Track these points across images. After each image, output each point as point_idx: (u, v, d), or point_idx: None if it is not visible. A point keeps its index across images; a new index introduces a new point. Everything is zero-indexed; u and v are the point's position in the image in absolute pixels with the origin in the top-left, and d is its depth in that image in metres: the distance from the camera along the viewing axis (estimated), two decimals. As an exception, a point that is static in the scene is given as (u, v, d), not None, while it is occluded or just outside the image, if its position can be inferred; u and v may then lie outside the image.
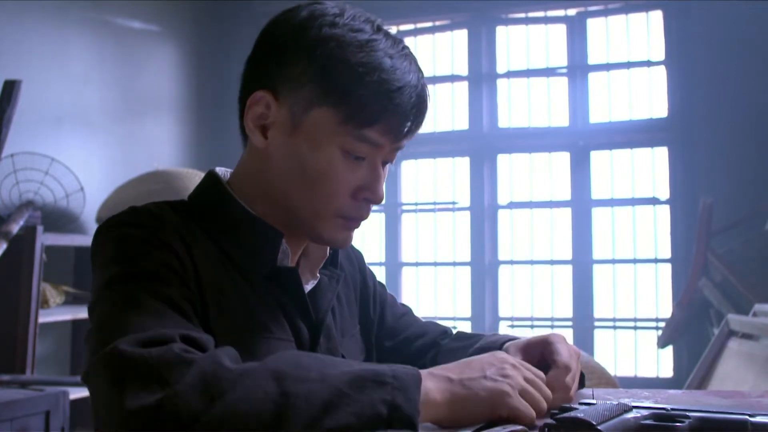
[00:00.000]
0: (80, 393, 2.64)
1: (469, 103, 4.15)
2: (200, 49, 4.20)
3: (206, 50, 4.23)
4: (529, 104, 4.09)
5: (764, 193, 3.39)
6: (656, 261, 3.82)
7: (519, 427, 0.74)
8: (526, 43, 4.10)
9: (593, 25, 3.99)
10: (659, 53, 3.85)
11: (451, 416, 0.75)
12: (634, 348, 3.81)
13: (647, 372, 3.80)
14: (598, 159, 3.94)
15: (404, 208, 4.28)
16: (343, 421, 0.66)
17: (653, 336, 3.71)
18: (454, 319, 4.13)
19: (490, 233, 4.09)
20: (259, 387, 0.66)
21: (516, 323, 4.04)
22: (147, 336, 0.71)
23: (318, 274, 0.99)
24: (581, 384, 1.00)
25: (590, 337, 3.86)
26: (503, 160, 4.13)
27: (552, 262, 4.00)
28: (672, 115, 3.77)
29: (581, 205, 3.92)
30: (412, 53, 0.90)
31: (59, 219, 3.09)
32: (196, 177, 3.20)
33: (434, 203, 4.24)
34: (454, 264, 4.18)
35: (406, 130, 0.88)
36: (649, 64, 3.88)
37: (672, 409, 0.77)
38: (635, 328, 3.84)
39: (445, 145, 4.16)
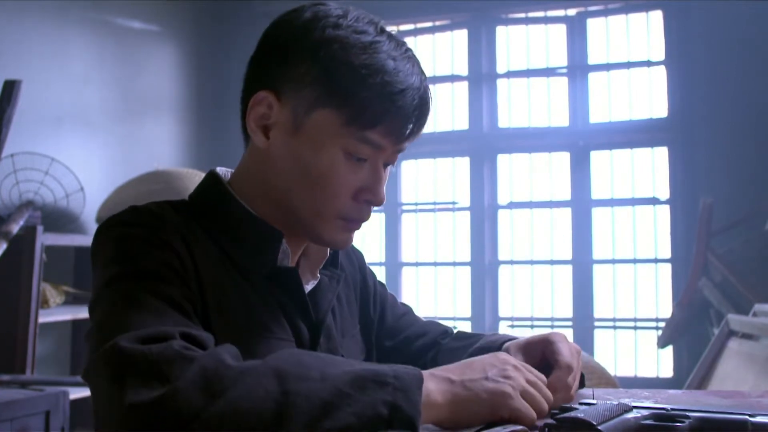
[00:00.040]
0: (80, 393, 2.64)
1: (469, 103, 4.15)
2: (200, 49, 4.20)
3: (206, 50, 4.23)
4: (529, 104, 4.09)
5: (764, 193, 3.39)
6: (656, 261, 3.82)
7: (519, 427, 0.74)
8: (526, 43, 4.10)
9: (593, 25, 3.99)
10: (659, 53, 3.85)
11: (452, 417, 0.75)
12: (634, 348, 3.81)
13: (647, 372, 3.80)
14: (598, 159, 3.95)
15: (404, 208, 4.28)
16: (344, 421, 0.66)
17: (653, 336, 3.71)
18: (454, 319, 4.13)
19: (490, 233, 4.09)
20: (260, 385, 0.66)
21: (516, 323, 4.04)
22: (147, 333, 0.71)
23: (318, 275, 0.99)
24: (581, 383, 1.00)
25: (590, 337, 3.86)
26: (503, 160, 4.13)
27: (552, 262, 4.00)
28: (672, 115, 3.77)
29: (581, 205, 3.92)
30: (415, 56, 0.90)
31: (59, 219, 3.09)
32: (196, 177, 3.20)
33: (434, 203, 4.24)
34: (454, 264, 4.18)
35: (408, 132, 0.88)
36: (649, 64, 3.88)
37: (672, 409, 0.77)
38: (635, 328, 3.84)
39: (445, 145, 4.16)
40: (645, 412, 0.77)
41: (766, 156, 3.47)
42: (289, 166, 0.89)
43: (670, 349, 3.63)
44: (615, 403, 0.78)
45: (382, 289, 1.16)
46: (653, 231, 3.83)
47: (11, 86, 2.50)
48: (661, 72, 3.85)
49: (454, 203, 4.21)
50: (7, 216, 2.76)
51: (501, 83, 4.14)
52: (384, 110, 0.85)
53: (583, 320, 3.87)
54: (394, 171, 0.93)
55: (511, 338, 1.03)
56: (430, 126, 0.88)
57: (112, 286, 0.78)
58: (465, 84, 4.17)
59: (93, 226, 3.29)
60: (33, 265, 2.68)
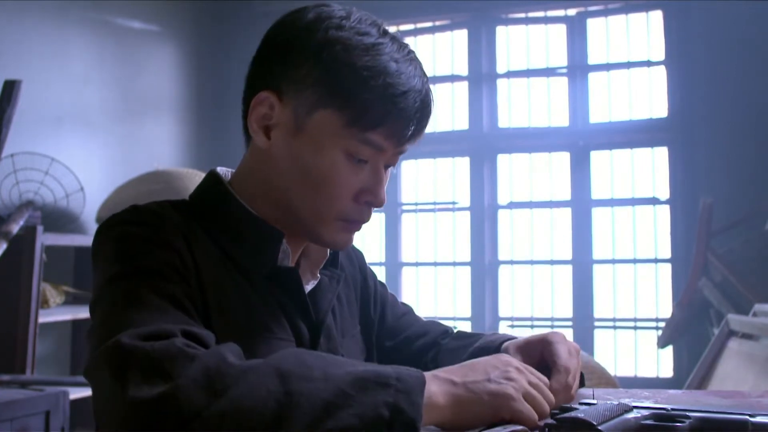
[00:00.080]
0: (80, 393, 2.64)
1: (469, 103, 4.15)
2: (200, 49, 4.20)
3: (206, 50, 4.23)
4: (529, 104, 4.10)
5: (764, 193, 3.39)
6: (656, 261, 3.82)
7: (519, 427, 0.74)
8: (526, 43, 4.10)
9: (593, 25, 3.99)
10: (659, 53, 3.85)
11: (454, 419, 0.75)
12: (634, 348, 3.81)
13: (647, 372, 3.80)
14: (598, 159, 3.95)
15: (404, 208, 4.28)
16: (345, 422, 0.66)
17: (653, 336, 3.71)
18: (454, 319, 4.13)
19: (490, 233, 4.09)
20: (262, 384, 0.66)
21: (516, 323, 4.04)
22: (149, 330, 0.71)
23: (318, 275, 0.99)
24: (581, 383, 1.00)
25: (590, 337, 3.86)
26: (503, 160, 4.13)
27: (552, 262, 4.00)
28: (672, 115, 3.77)
29: (581, 205, 3.92)
30: (417, 58, 0.91)
31: (59, 219, 3.09)
32: (196, 177, 3.20)
33: (434, 203, 4.25)
34: (454, 264, 4.18)
35: (409, 134, 0.88)
36: (649, 64, 3.88)
37: (672, 409, 0.77)
38: (635, 328, 3.84)
39: (445, 145, 4.16)
40: (645, 412, 0.77)
41: (766, 156, 3.47)
42: (289, 166, 0.89)
43: (670, 349, 3.64)
44: (615, 403, 0.78)
45: (383, 289, 1.16)
46: (653, 231, 3.83)
47: (11, 86, 2.50)
48: (661, 72, 3.85)
49: (454, 203, 4.21)
50: (7, 216, 2.76)
51: (501, 83, 4.14)
52: (385, 112, 0.85)
53: (583, 320, 3.87)
54: (395, 171, 0.93)
55: (510, 338, 1.03)
56: (431, 126, 0.88)
57: (113, 285, 0.78)
58: (465, 84, 4.17)
59: (93, 226, 3.29)
60: (33, 265, 2.68)
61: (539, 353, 0.95)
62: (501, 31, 4.15)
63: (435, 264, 4.23)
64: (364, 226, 0.94)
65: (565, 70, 4.01)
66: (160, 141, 3.91)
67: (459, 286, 4.16)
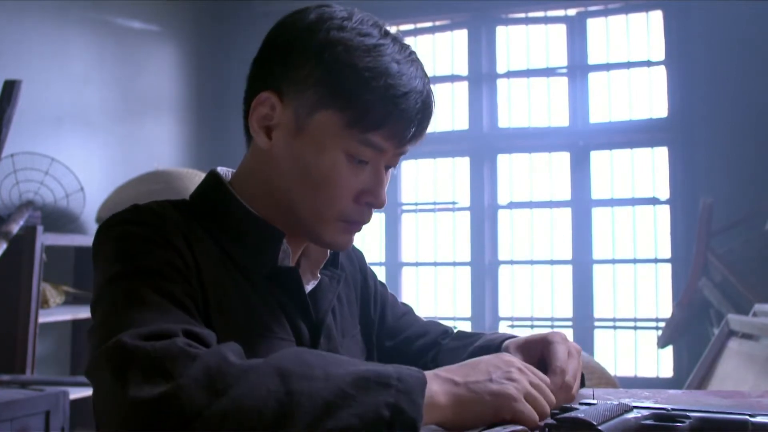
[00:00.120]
0: (80, 393, 2.64)
1: (469, 103, 4.15)
2: (200, 49, 4.20)
3: (206, 50, 4.23)
4: (529, 104, 4.10)
5: (764, 193, 3.39)
6: (656, 261, 3.82)
7: (519, 427, 0.74)
8: (526, 43, 4.10)
9: (593, 25, 3.99)
10: (659, 53, 3.85)
11: (456, 419, 0.76)
12: (634, 348, 3.81)
13: (647, 372, 3.80)
14: (598, 159, 3.95)
15: (404, 208, 4.28)
16: (346, 422, 0.66)
17: (653, 336, 3.71)
18: (454, 319, 4.13)
19: (490, 233, 4.09)
20: (263, 384, 0.66)
21: (516, 323, 4.04)
22: (149, 330, 0.71)
23: (319, 275, 0.99)
24: (581, 383, 1.00)
25: (590, 337, 3.86)
26: (503, 160, 4.13)
27: (552, 262, 4.00)
28: (672, 115, 3.77)
29: (581, 205, 3.92)
30: (418, 59, 0.91)
31: (59, 219, 3.09)
32: (196, 177, 3.21)
33: (434, 203, 4.25)
34: (454, 264, 4.18)
35: (410, 135, 0.89)
36: (649, 64, 3.88)
37: (672, 409, 0.78)
38: (635, 328, 3.84)
39: (445, 145, 4.16)
40: (645, 412, 0.77)
41: (766, 156, 3.47)
42: (290, 166, 0.89)
43: (670, 349, 3.64)
44: (615, 403, 0.78)
45: (383, 289, 1.16)
46: (653, 231, 3.83)
47: (11, 86, 2.50)
48: (661, 72, 3.85)
49: (454, 203, 4.21)
50: (7, 216, 2.76)
51: (501, 83, 4.14)
52: (387, 113, 0.85)
53: (583, 320, 3.87)
54: (395, 172, 0.93)
55: (511, 337, 1.03)
56: (431, 126, 0.88)
57: (113, 284, 0.78)
58: (465, 84, 4.17)
59: (93, 226, 3.29)
60: (33, 265, 2.68)
61: (539, 353, 0.95)
62: (501, 31, 4.15)
63: (435, 264, 4.23)
64: (364, 226, 0.94)
65: (565, 70, 4.01)
66: (160, 141, 3.91)
67: (459, 286, 4.16)
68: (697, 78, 3.66)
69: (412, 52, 0.90)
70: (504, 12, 4.13)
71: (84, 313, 2.91)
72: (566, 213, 3.97)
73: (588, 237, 3.90)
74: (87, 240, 2.97)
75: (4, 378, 2.40)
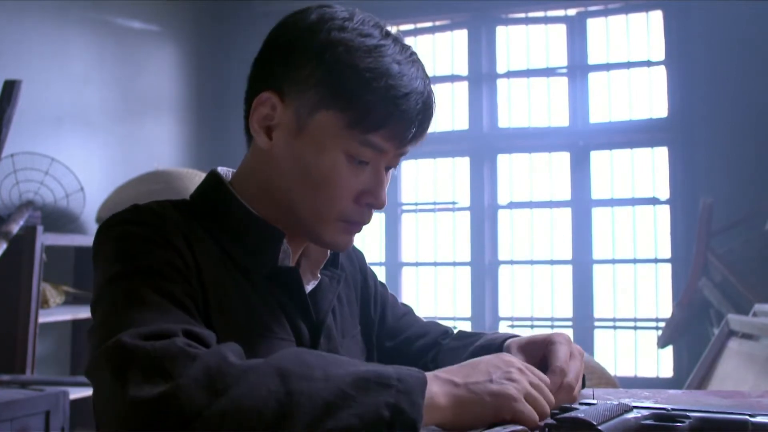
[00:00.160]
0: (80, 393, 2.64)
1: (469, 103, 4.15)
2: (200, 49, 4.20)
3: (206, 50, 4.23)
4: (529, 104, 4.10)
5: (764, 193, 3.39)
6: (656, 261, 3.82)
7: (519, 427, 0.74)
8: (526, 43, 4.10)
9: (593, 25, 3.99)
10: (659, 53, 3.85)
11: (456, 420, 0.75)
12: (634, 348, 3.81)
13: (647, 372, 3.80)
14: (598, 159, 3.95)
15: (404, 208, 4.28)
16: (346, 422, 0.66)
17: (653, 336, 3.71)
18: (454, 319, 4.13)
19: (490, 233, 4.09)
20: (263, 384, 0.66)
21: (516, 323, 4.04)
22: (149, 330, 0.71)
23: (319, 275, 0.99)
24: (582, 385, 1.00)
25: (590, 337, 3.86)
26: (503, 160, 4.13)
27: (552, 262, 4.00)
28: (672, 115, 3.77)
29: (581, 205, 3.92)
30: (419, 59, 0.91)
31: (59, 219, 3.09)
32: (196, 177, 3.21)
33: (434, 203, 4.25)
34: (454, 264, 4.18)
35: (410, 136, 0.89)
36: (649, 64, 3.88)
37: (672, 409, 0.77)
38: (635, 328, 3.84)
39: (445, 145, 4.16)
40: (645, 412, 0.77)
41: (766, 156, 3.47)
42: (290, 167, 0.89)
43: (670, 349, 3.64)
44: (615, 403, 0.78)
45: (383, 289, 1.16)
46: (653, 231, 3.83)
47: (11, 86, 2.50)
48: (661, 72, 3.85)
49: (454, 203, 4.21)
50: (7, 216, 2.76)
51: (501, 83, 4.14)
52: (387, 114, 0.85)
53: (583, 320, 3.87)
54: (395, 172, 0.93)
55: (512, 336, 1.03)
56: (431, 127, 0.88)
57: (113, 284, 0.78)
58: (465, 84, 4.17)
59: (93, 226, 3.29)
60: (33, 265, 2.68)
61: (541, 353, 0.95)
62: (501, 31, 4.15)
63: (435, 264, 4.23)
64: (364, 227, 0.94)
65: (565, 70, 4.02)
66: (160, 141, 3.92)
67: (459, 286, 4.16)
68: (697, 78, 3.66)
69: (413, 53, 0.90)
70: (504, 12, 4.13)
71: (84, 313, 2.91)
72: (566, 213, 3.97)
73: (588, 237, 3.90)
74: (87, 240, 2.97)
75: (4, 378, 2.40)
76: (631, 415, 0.76)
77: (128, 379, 0.66)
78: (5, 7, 3.01)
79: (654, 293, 3.82)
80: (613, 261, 3.89)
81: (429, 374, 0.76)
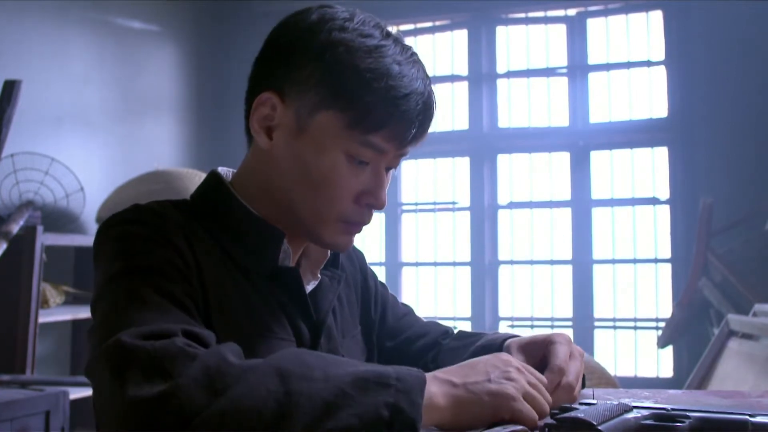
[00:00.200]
0: (80, 393, 2.64)
1: (469, 103, 4.15)
2: (200, 49, 4.20)
3: (206, 50, 4.23)
4: (529, 104, 4.10)
5: (764, 193, 3.39)
6: (656, 261, 3.82)
7: (519, 427, 0.74)
8: (526, 43, 4.10)
9: (593, 25, 3.99)
10: (659, 53, 3.85)
11: (454, 420, 0.75)
12: (634, 348, 3.81)
13: (647, 372, 3.80)
14: (598, 159, 3.95)
15: (404, 208, 4.28)
16: (345, 422, 0.66)
17: (653, 336, 3.71)
18: (454, 319, 4.13)
19: (490, 233, 4.09)
20: (262, 384, 0.66)
21: (516, 323, 4.04)
22: (150, 329, 0.71)
23: (319, 275, 0.99)
24: (582, 384, 1.00)
25: (590, 337, 3.86)
26: (503, 160, 4.13)
27: (552, 262, 4.00)
28: (672, 115, 3.77)
29: (581, 205, 3.92)
30: (420, 60, 0.91)
31: (59, 219, 3.09)
32: (196, 177, 3.21)
33: (434, 203, 4.25)
34: (454, 264, 4.18)
35: (411, 136, 0.89)
36: (649, 64, 3.88)
37: (672, 409, 0.77)
38: (635, 328, 3.84)
39: (445, 145, 4.16)
40: (645, 412, 0.77)
41: (766, 156, 3.47)
42: (291, 167, 0.89)
43: (670, 349, 3.64)
44: (615, 403, 0.78)
45: (383, 289, 1.16)
46: (653, 231, 3.83)
47: (11, 86, 2.50)
48: (661, 72, 3.85)
49: (454, 203, 4.21)
50: (7, 216, 2.76)
51: (501, 83, 4.14)
52: (388, 114, 0.85)
53: (583, 320, 3.87)
54: (395, 172, 0.93)
55: (512, 336, 1.03)
56: (431, 127, 0.89)
57: (114, 284, 0.78)
58: (465, 84, 4.17)
59: (93, 226, 3.29)
60: (33, 265, 2.68)
61: (541, 353, 0.95)
62: (501, 31, 4.15)
63: (435, 264, 4.23)
64: (364, 227, 0.94)
65: (565, 70, 4.02)
66: (160, 141, 3.91)
67: (459, 286, 4.16)
68: (697, 78, 3.66)
69: (414, 54, 0.90)
70: (504, 12, 4.13)
71: (84, 313, 2.91)
72: (566, 213, 3.97)
73: (588, 237, 3.90)
74: (87, 240, 2.97)
75: (4, 378, 2.40)
76: (631, 415, 0.76)
77: (128, 379, 0.66)
78: (5, 7, 3.01)
79: (654, 293, 3.82)
80: (613, 261, 3.89)
81: (428, 374, 0.76)
